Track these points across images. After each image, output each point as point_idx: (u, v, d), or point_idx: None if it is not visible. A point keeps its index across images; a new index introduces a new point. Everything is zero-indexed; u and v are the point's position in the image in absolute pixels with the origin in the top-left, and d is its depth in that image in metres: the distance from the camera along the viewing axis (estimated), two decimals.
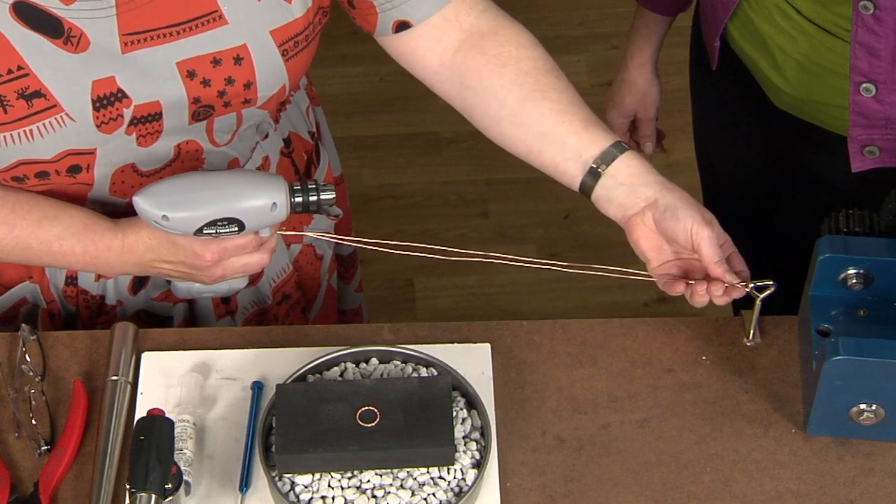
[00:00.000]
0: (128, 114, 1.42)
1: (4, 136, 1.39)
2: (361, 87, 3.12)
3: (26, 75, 1.37)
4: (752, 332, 1.56)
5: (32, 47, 1.36)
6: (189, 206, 1.40)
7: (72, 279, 1.61)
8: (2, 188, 1.47)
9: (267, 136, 1.62)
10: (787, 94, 1.71)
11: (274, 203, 1.41)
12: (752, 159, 1.94)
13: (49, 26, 1.36)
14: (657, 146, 2.01)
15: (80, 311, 1.65)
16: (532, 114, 1.51)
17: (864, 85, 1.59)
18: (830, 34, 1.61)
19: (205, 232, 1.41)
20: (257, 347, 1.57)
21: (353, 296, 1.95)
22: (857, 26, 1.54)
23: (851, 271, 1.49)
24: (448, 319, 1.66)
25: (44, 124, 1.39)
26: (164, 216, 1.40)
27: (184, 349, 1.57)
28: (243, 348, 1.57)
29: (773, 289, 1.48)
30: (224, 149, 1.53)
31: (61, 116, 1.39)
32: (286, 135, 1.69)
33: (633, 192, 1.46)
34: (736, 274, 1.45)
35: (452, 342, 1.57)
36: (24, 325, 1.56)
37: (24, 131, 1.39)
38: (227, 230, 1.42)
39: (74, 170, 1.44)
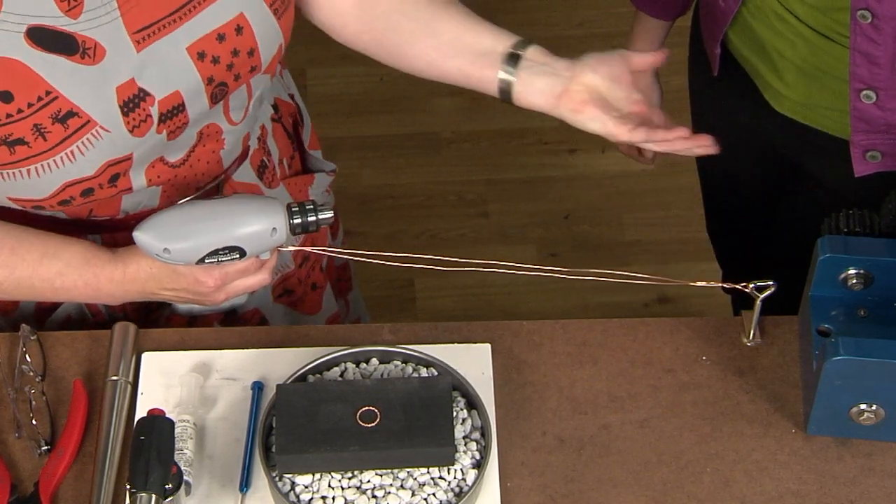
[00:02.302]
0: (155, 112, 1.42)
1: (48, 164, 1.39)
2: (361, 87, 3.11)
3: (56, 98, 1.37)
4: (752, 332, 1.56)
5: (54, 69, 1.36)
6: (190, 238, 1.40)
7: None
8: (1, 229, 1.47)
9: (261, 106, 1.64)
10: (787, 98, 1.71)
11: (274, 228, 1.42)
12: (753, 163, 1.94)
13: (64, 45, 1.36)
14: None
15: (128, 314, 1.64)
16: (443, 22, 1.53)
17: (865, 92, 1.59)
18: (830, 40, 1.60)
19: (206, 261, 1.42)
20: (257, 347, 1.57)
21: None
22: (856, 34, 1.54)
23: (852, 271, 1.49)
24: (448, 319, 1.66)
25: (82, 142, 1.39)
26: (165, 249, 1.40)
27: (184, 349, 1.57)
28: (243, 348, 1.57)
29: (773, 289, 1.48)
30: (240, 126, 1.54)
31: (96, 130, 1.39)
32: (272, 101, 1.71)
33: (552, 69, 1.48)
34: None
35: (452, 342, 1.57)
36: (23, 325, 1.56)
37: (66, 154, 1.39)
38: (229, 258, 1.42)
39: (114, 178, 1.45)
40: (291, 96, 1.77)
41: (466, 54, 1.53)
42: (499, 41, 1.51)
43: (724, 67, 1.79)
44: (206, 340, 1.58)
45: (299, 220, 1.43)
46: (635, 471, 1.48)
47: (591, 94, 1.48)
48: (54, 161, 1.39)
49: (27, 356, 1.54)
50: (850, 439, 1.49)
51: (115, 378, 1.51)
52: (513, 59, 1.50)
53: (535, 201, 2.93)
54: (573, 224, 2.89)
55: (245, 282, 1.49)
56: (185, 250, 1.41)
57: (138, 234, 1.41)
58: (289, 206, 1.43)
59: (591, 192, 2.93)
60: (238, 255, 1.42)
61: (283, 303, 1.76)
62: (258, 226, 1.41)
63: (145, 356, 1.56)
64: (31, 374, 1.53)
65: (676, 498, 1.46)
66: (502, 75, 1.51)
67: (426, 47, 1.55)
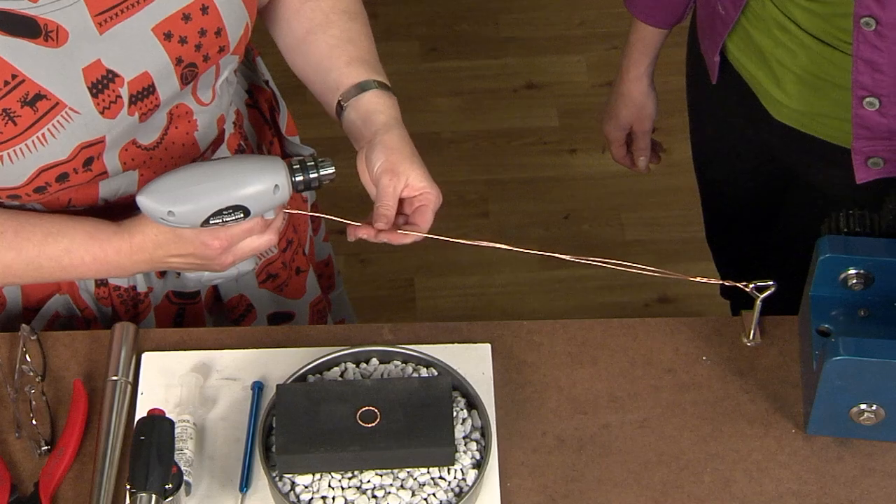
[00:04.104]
0: (125, 93, 1.43)
1: (21, 149, 1.40)
2: None
3: (23, 82, 1.37)
4: (752, 332, 1.56)
5: (18, 53, 1.37)
6: (193, 199, 1.40)
7: (101, 280, 1.61)
8: (2, 214, 1.47)
9: (234, 93, 1.66)
10: (787, 107, 1.70)
11: (276, 185, 1.42)
12: (752, 170, 1.93)
13: (26, 28, 1.37)
14: (654, 158, 2.01)
15: (116, 309, 1.65)
16: (311, 46, 1.59)
17: (868, 99, 1.58)
18: (831, 47, 1.59)
19: (211, 222, 1.42)
20: (257, 347, 1.57)
21: (322, 246, 1.98)
22: (859, 42, 1.53)
23: (852, 271, 1.49)
24: (448, 319, 1.66)
25: (53, 125, 1.40)
26: (169, 212, 1.40)
27: (184, 349, 1.57)
28: (243, 348, 1.57)
29: (773, 289, 1.48)
30: (209, 107, 1.56)
31: (66, 112, 1.40)
32: (247, 87, 1.73)
33: (364, 127, 1.52)
34: (410, 226, 1.48)
35: (453, 342, 1.57)
36: (24, 325, 1.56)
37: (38, 137, 1.40)
38: (233, 218, 1.42)
39: (88, 162, 1.45)
40: (266, 83, 1.79)
41: (321, 82, 1.59)
42: (341, 82, 1.55)
43: (723, 75, 1.79)
44: (206, 340, 1.58)
45: (301, 178, 1.43)
46: (635, 471, 1.48)
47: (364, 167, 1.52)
48: (26, 145, 1.39)
49: (27, 356, 1.54)
50: (851, 439, 1.49)
51: (115, 378, 1.51)
52: (339, 107, 1.56)
53: (535, 201, 2.93)
54: (573, 224, 2.90)
55: (251, 243, 1.49)
56: (188, 212, 1.40)
57: (142, 199, 1.41)
58: (289, 163, 1.43)
59: (591, 192, 2.94)
60: (242, 215, 1.42)
61: (268, 288, 1.77)
62: (260, 184, 1.41)
63: (145, 356, 1.56)
64: (32, 374, 1.53)
65: (676, 498, 1.46)
66: (339, 111, 1.56)
67: (298, 64, 1.62)
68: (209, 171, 1.42)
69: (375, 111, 1.52)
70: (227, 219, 1.42)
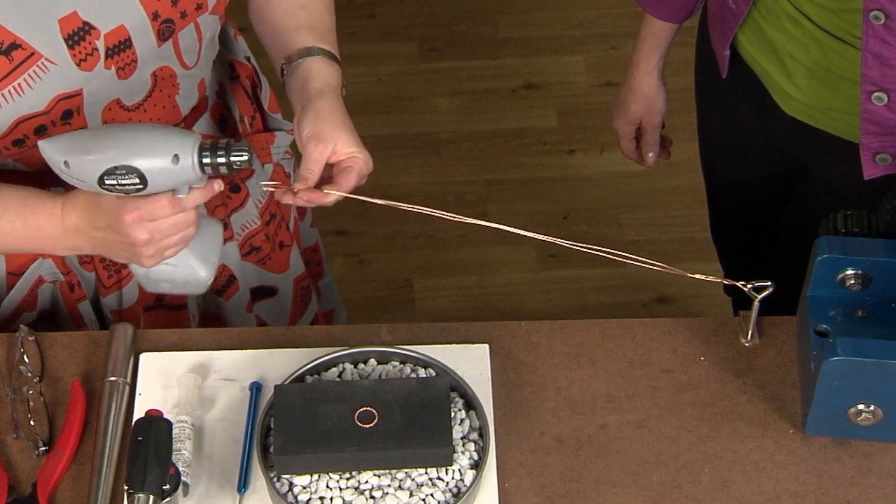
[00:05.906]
0: (101, 46, 1.44)
1: None
2: (361, 87, 3.12)
3: None
4: (750, 332, 1.56)
5: None
6: (89, 152, 1.38)
7: None
8: None
9: (216, 65, 1.67)
10: (797, 100, 1.70)
11: (175, 155, 1.37)
12: (760, 165, 1.93)
13: None
14: (663, 153, 2.01)
15: (99, 274, 1.65)
16: (269, 11, 1.62)
17: (876, 94, 1.58)
18: (842, 41, 1.59)
19: (107, 182, 1.38)
20: (255, 348, 1.57)
21: (309, 232, 1.98)
22: (868, 36, 1.53)
23: (850, 272, 1.49)
24: (446, 320, 1.66)
25: (29, 74, 1.40)
26: (65, 162, 1.39)
27: (182, 350, 1.57)
28: (241, 349, 1.57)
29: (770, 289, 1.48)
30: (193, 71, 1.57)
31: (42, 63, 1.40)
32: (229, 61, 1.75)
33: (300, 92, 1.53)
34: (335, 185, 1.50)
35: (451, 343, 1.57)
36: (22, 325, 1.56)
37: (14, 87, 1.40)
38: (129, 182, 1.38)
39: (67, 115, 1.46)
40: (248, 59, 1.80)
41: (272, 46, 1.61)
42: (288, 47, 1.57)
43: (733, 69, 1.79)
44: (204, 341, 1.58)
45: (209, 160, 1.38)
46: (633, 471, 1.48)
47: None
48: (2, 95, 1.40)
49: (25, 357, 1.54)
50: (848, 440, 1.49)
51: (113, 379, 1.51)
52: (282, 70, 1.57)
53: (533, 202, 2.93)
54: (572, 224, 2.90)
55: (169, 220, 1.44)
56: (83, 163, 1.38)
57: (42, 145, 1.40)
58: (202, 143, 1.39)
59: (590, 193, 2.94)
60: (139, 182, 1.38)
61: (251, 261, 1.77)
62: (159, 149, 1.38)
63: (143, 357, 1.56)
64: (29, 374, 1.53)
65: (674, 498, 1.46)
66: (282, 72, 1.59)
67: (259, 29, 1.64)
68: (113, 132, 1.40)
69: (312, 77, 1.54)
70: (123, 181, 1.38)
